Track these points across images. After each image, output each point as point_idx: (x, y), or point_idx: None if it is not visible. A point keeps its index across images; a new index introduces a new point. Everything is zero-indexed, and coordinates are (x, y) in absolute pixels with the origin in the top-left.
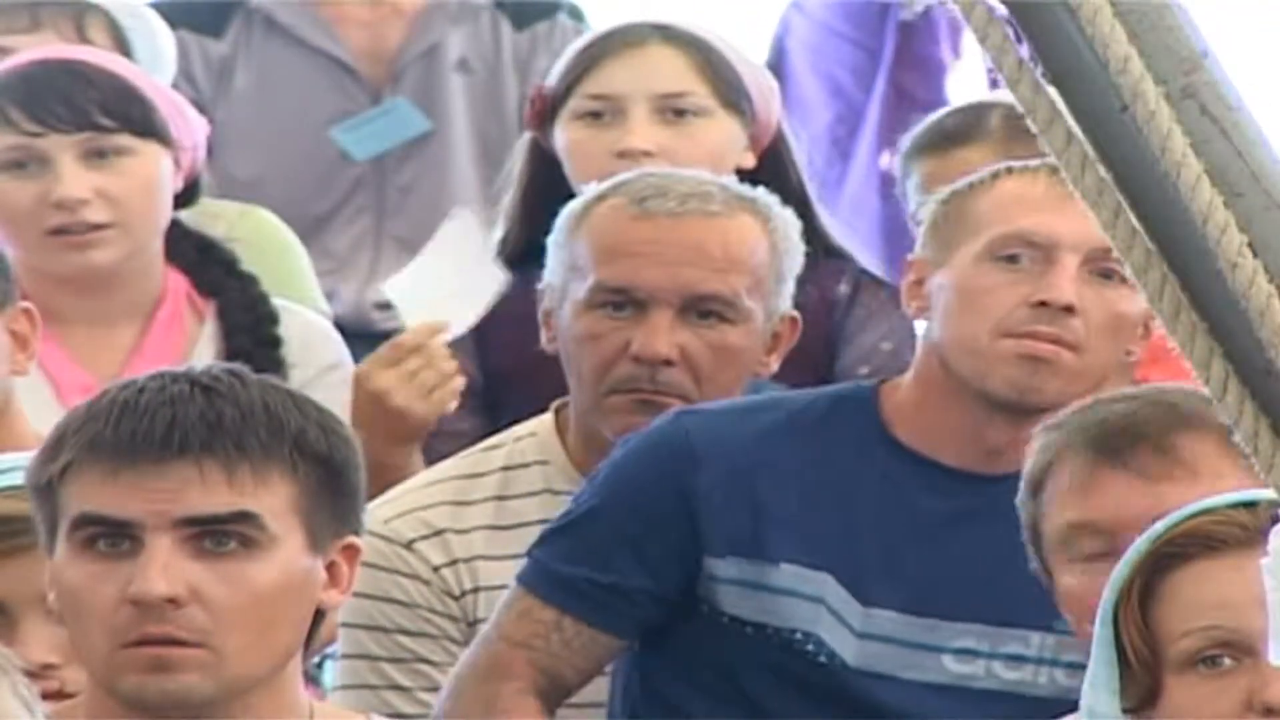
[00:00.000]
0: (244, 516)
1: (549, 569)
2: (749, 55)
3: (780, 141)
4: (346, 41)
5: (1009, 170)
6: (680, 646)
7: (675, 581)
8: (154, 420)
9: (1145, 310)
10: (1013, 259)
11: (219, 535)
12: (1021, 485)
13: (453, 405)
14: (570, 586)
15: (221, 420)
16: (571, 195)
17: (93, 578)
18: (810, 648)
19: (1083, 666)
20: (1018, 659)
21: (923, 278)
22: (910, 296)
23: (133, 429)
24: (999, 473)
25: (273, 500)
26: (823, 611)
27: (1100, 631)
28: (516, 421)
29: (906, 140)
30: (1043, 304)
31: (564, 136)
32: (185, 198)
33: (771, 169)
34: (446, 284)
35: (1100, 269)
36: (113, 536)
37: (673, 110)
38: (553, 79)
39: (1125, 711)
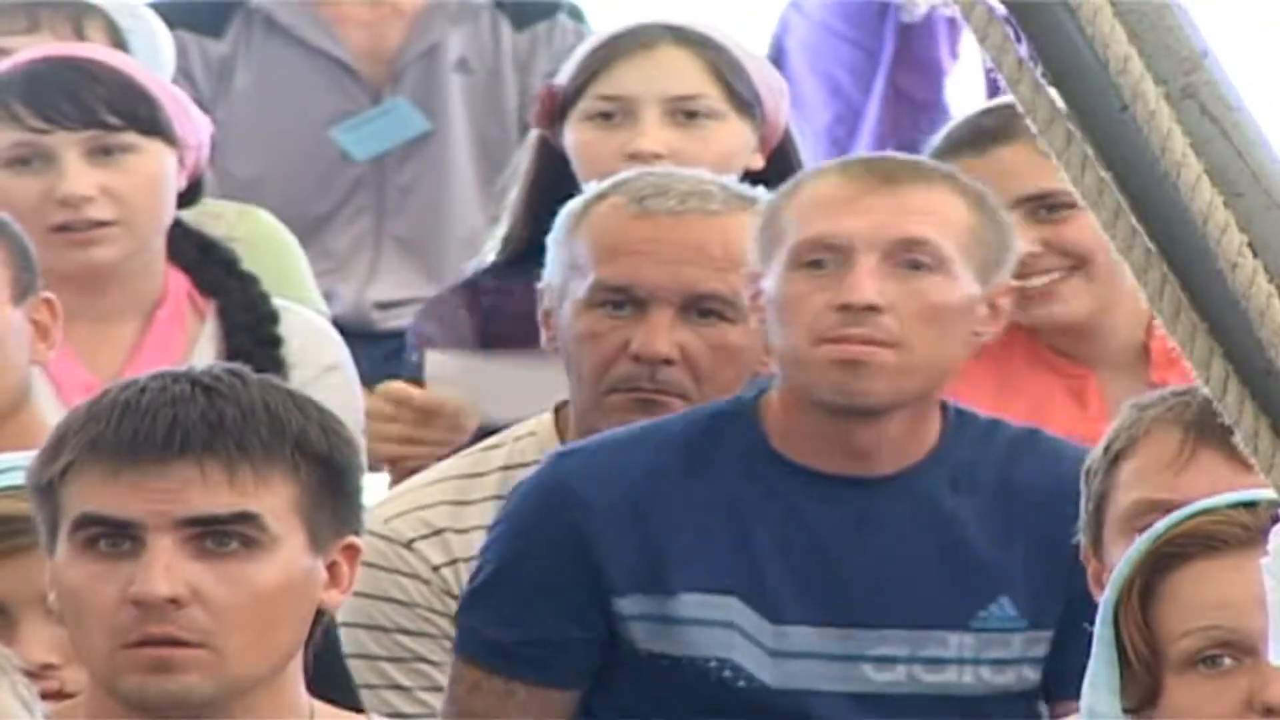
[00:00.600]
0: (245, 517)
1: (483, 637)
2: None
3: (788, 142)
4: (346, 41)
5: (812, 172)
6: (613, 688)
7: (598, 624)
8: (155, 420)
9: (969, 294)
10: (816, 264)
11: (220, 535)
12: (1096, 454)
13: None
14: (509, 652)
15: (223, 420)
16: (575, 192)
17: (94, 578)
18: (728, 674)
19: (1008, 662)
20: (938, 661)
21: (757, 290)
22: (751, 308)
23: (134, 429)
24: (879, 474)
25: (274, 500)
26: (734, 636)
27: (1101, 631)
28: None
29: (939, 137)
30: (846, 306)
31: (574, 136)
32: (188, 197)
33: (778, 169)
34: (493, 386)
35: (905, 260)
36: (114, 537)
37: (684, 112)
38: (563, 78)
39: (1125, 711)
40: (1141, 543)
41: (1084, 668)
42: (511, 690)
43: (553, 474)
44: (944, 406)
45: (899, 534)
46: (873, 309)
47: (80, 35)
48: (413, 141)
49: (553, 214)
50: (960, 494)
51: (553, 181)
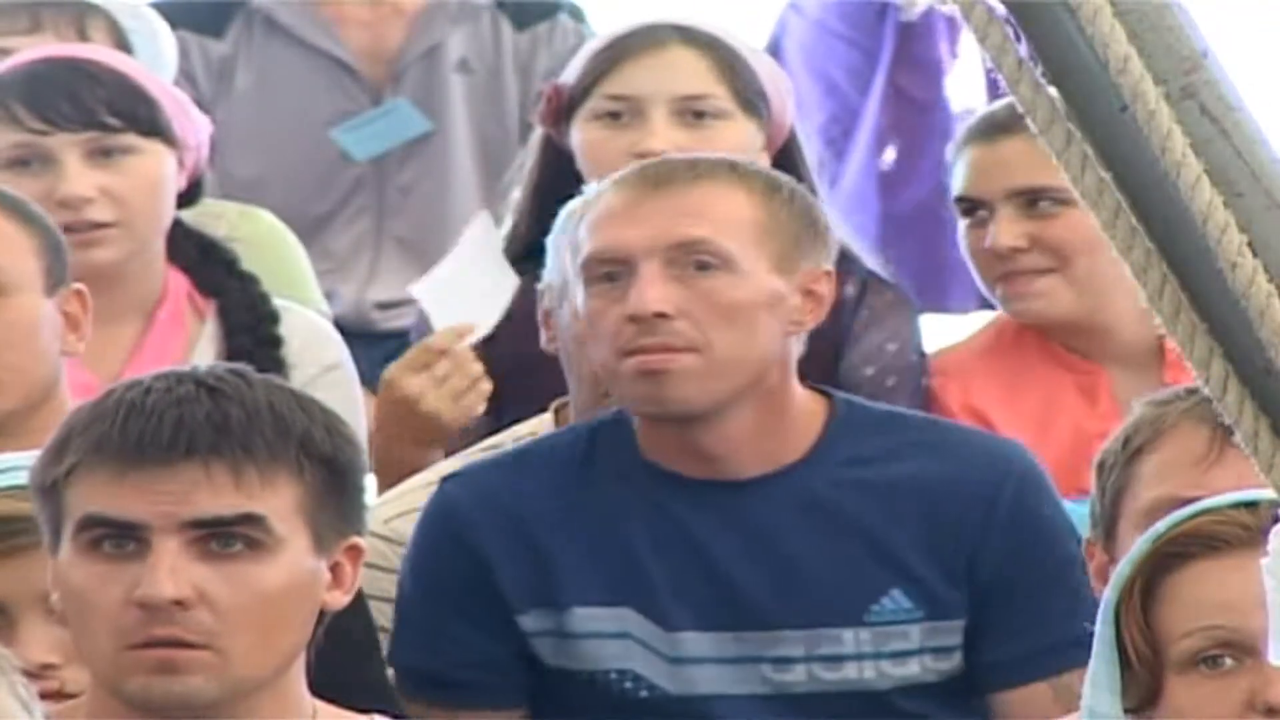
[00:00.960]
0: (250, 519)
1: (416, 671)
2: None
3: (793, 140)
4: (347, 42)
5: (605, 184)
6: (534, 707)
7: (516, 640)
8: (161, 421)
9: (768, 288)
10: (609, 277)
11: (225, 537)
12: (1113, 449)
13: (481, 409)
14: (443, 681)
15: (228, 421)
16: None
17: (98, 579)
18: (629, 684)
19: (909, 653)
20: (835, 659)
21: (550, 307)
22: (572, 322)
23: (140, 430)
24: (743, 477)
25: (279, 502)
26: (632, 646)
27: (1101, 630)
28: (517, 420)
29: (960, 129)
30: (635, 317)
31: (581, 136)
32: (188, 197)
33: (784, 168)
34: (471, 287)
35: (690, 263)
36: (119, 538)
37: (692, 112)
38: (570, 77)
39: (1126, 711)
40: (1143, 542)
41: (1015, 657)
42: (457, 719)
43: (441, 499)
44: (831, 399)
45: (778, 533)
46: (661, 316)
47: (83, 36)
48: (413, 142)
49: (556, 214)
50: (845, 488)
51: (557, 181)
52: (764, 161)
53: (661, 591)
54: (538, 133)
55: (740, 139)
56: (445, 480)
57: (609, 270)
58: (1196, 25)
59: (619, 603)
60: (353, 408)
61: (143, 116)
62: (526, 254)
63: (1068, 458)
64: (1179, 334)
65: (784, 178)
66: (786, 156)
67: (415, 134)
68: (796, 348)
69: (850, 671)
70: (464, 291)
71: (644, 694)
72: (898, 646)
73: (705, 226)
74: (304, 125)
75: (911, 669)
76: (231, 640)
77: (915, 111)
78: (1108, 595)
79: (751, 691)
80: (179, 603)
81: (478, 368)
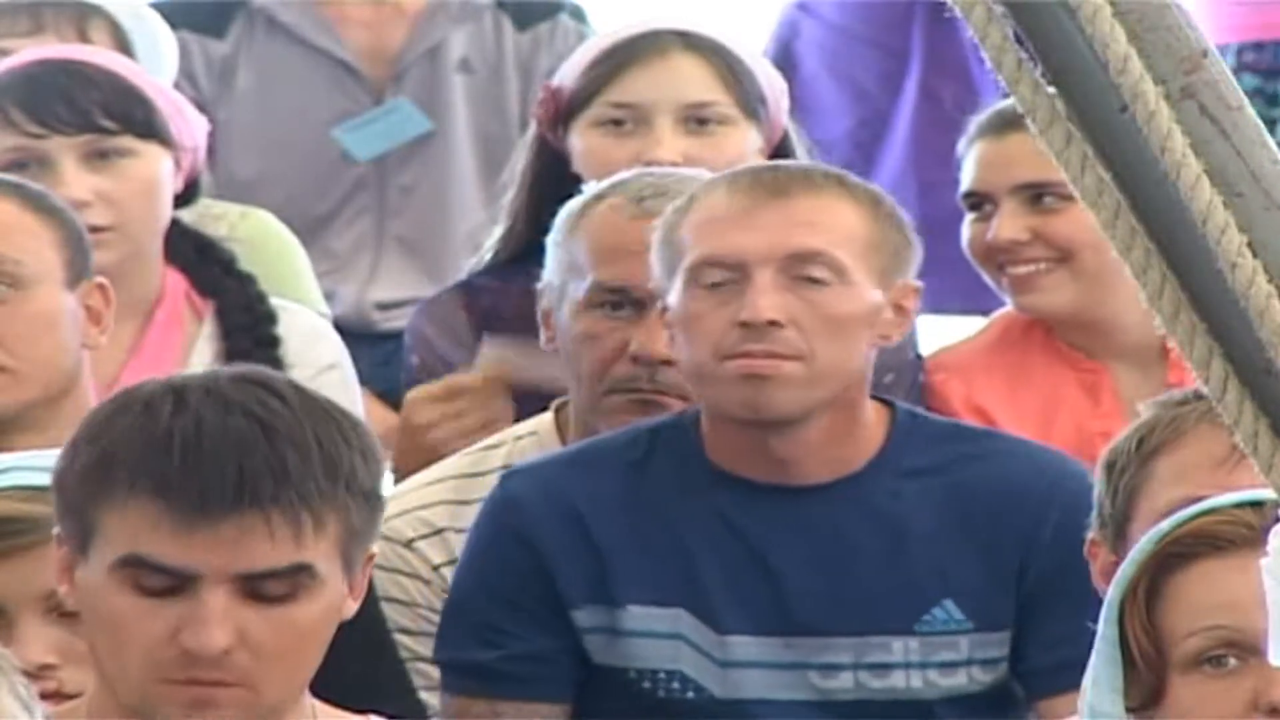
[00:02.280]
0: (302, 568)
1: (463, 663)
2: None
3: (786, 140)
4: (348, 42)
5: (704, 186)
6: (576, 703)
7: (568, 635)
8: (223, 471)
9: (870, 301)
10: (715, 281)
11: (274, 584)
12: (1124, 449)
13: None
14: (490, 672)
15: (286, 467)
16: (576, 193)
17: (138, 612)
18: (676, 685)
19: (957, 664)
20: (883, 667)
21: (665, 305)
22: (664, 324)
23: (202, 481)
24: (810, 483)
25: (326, 545)
26: (682, 647)
27: (1105, 630)
28: (517, 420)
29: (971, 124)
30: (746, 324)
31: (582, 142)
32: (185, 197)
33: None
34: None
35: (801, 274)
36: (165, 579)
37: (696, 120)
38: (570, 81)
39: (1128, 710)
40: (1146, 542)
41: (1060, 663)
42: (497, 710)
43: (501, 493)
44: (894, 409)
45: (837, 540)
46: (773, 324)
47: (84, 37)
48: (414, 142)
49: (552, 213)
50: (905, 497)
51: (552, 181)
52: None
53: (716, 594)
54: (530, 134)
55: (743, 144)
56: (506, 477)
57: (718, 274)
58: (1196, 25)
59: (673, 603)
60: (351, 408)
61: (138, 119)
62: (522, 254)
63: (1069, 455)
64: (1178, 334)
65: (882, 191)
66: (781, 156)
67: (416, 134)
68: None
69: (898, 680)
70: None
71: (690, 695)
72: (946, 657)
73: (821, 238)
74: (305, 125)
75: (959, 679)
76: (268, 676)
77: (948, 114)
78: (1112, 594)
79: (797, 697)
80: (225, 651)
81: (499, 409)
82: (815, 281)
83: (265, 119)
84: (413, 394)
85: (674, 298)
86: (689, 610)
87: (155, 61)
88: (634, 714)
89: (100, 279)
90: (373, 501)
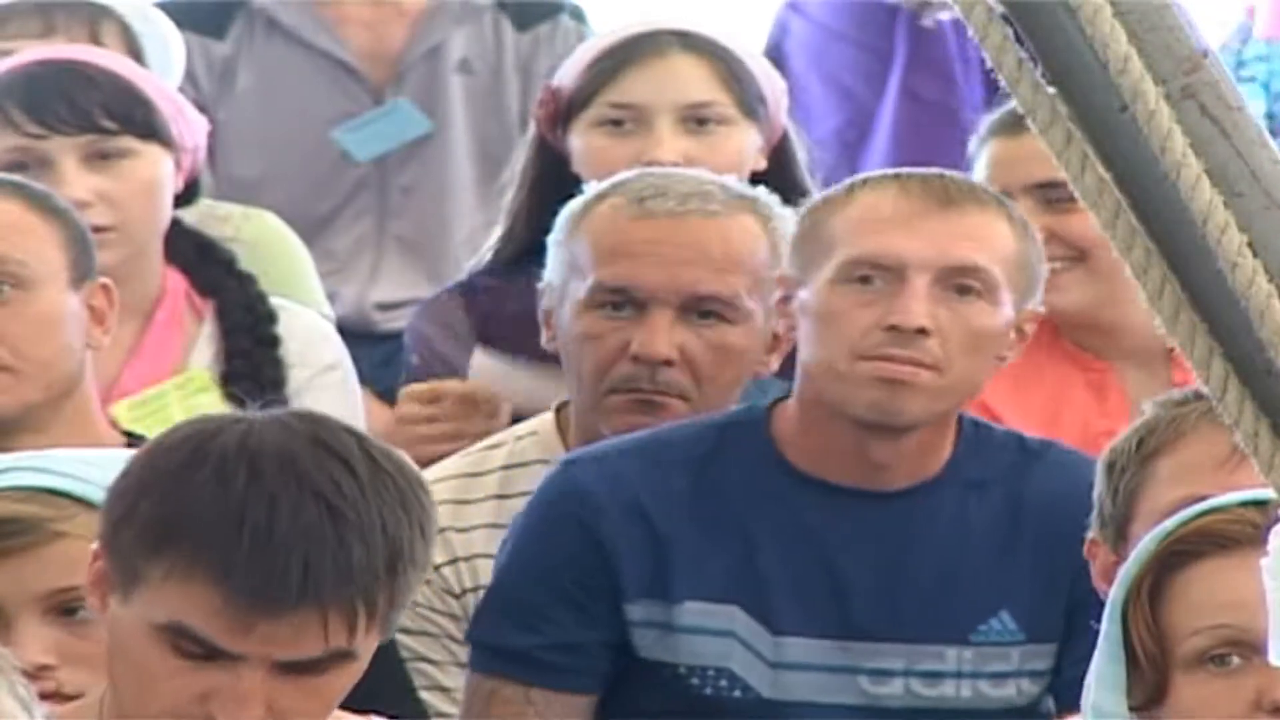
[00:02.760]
0: (345, 654)
1: (499, 647)
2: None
3: (786, 140)
4: (348, 42)
5: (863, 183)
6: (611, 696)
7: (616, 627)
8: (288, 565)
9: (1010, 319)
10: (865, 280)
11: (314, 665)
12: (1124, 449)
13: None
14: (526, 659)
15: (350, 562)
16: (576, 194)
17: (170, 671)
18: (724, 683)
19: (1007, 675)
20: (935, 675)
21: (789, 294)
22: (780, 314)
23: (266, 573)
24: (893, 488)
25: (374, 629)
26: (734, 645)
27: (1108, 628)
28: (518, 420)
29: (983, 124)
30: (894, 328)
31: (582, 142)
32: (185, 197)
33: (777, 168)
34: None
35: (953, 285)
36: (207, 649)
37: (696, 120)
38: (569, 81)
39: (1131, 709)
40: (1150, 540)
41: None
42: (529, 697)
43: (566, 479)
44: (960, 419)
45: (905, 548)
46: (922, 332)
47: (95, 39)
48: (414, 142)
49: (552, 214)
50: (969, 508)
51: (552, 181)
52: (760, 164)
53: (775, 593)
54: (530, 134)
55: (742, 144)
56: (569, 463)
57: (869, 274)
58: (1196, 25)
59: (728, 600)
60: (351, 408)
61: (139, 119)
62: (522, 255)
63: None
64: (1179, 334)
65: (1026, 219)
66: (780, 156)
67: (416, 135)
68: None
69: (948, 689)
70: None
71: (737, 694)
72: (998, 668)
73: (983, 254)
74: (305, 126)
75: (1008, 691)
76: None
77: (929, 113)
78: (1115, 593)
79: (846, 702)
80: None
81: (474, 429)
82: (966, 294)
83: (265, 120)
84: (406, 389)
85: (810, 290)
86: (744, 608)
87: (164, 63)
88: (679, 710)
89: (104, 280)
90: (423, 572)
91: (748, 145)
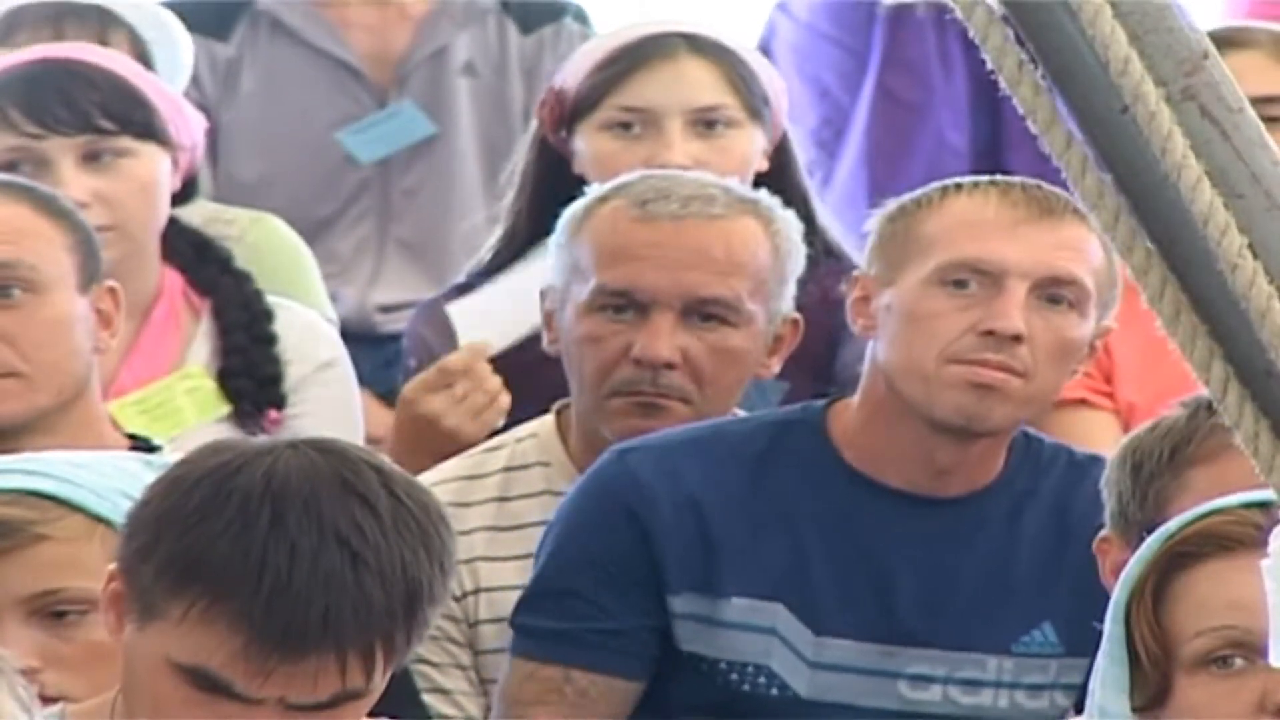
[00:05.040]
0: (358, 694)
1: (540, 629)
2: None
3: (785, 140)
4: (353, 44)
5: (958, 187)
6: (649, 688)
7: (660, 616)
8: (309, 611)
9: (1091, 332)
10: (960, 284)
11: (329, 706)
12: (1150, 452)
13: (500, 422)
14: (567, 639)
15: (370, 606)
16: (578, 194)
17: (185, 704)
18: (762, 680)
19: (1044, 687)
20: (974, 683)
21: (869, 295)
22: (857, 314)
23: (286, 620)
24: (948, 495)
25: (391, 667)
26: (775, 643)
27: (1111, 629)
28: (519, 422)
29: None
30: (990, 333)
31: (589, 145)
32: (182, 196)
33: (778, 169)
34: (500, 309)
35: (1049, 295)
36: (219, 690)
37: (704, 123)
38: (574, 84)
39: (1134, 710)
40: (1154, 541)
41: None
42: (569, 677)
43: (619, 467)
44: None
45: (954, 555)
46: (1017, 339)
47: (105, 45)
48: (418, 145)
49: (553, 215)
50: (1018, 520)
51: (553, 183)
52: (764, 165)
53: (822, 594)
54: (530, 134)
55: (749, 146)
56: (624, 451)
57: (965, 278)
58: (1197, 27)
59: (773, 597)
60: (348, 407)
61: (137, 119)
62: (523, 256)
63: None
64: (1179, 336)
65: None
66: (780, 157)
67: (420, 137)
68: None
69: (985, 699)
70: (493, 312)
71: (774, 692)
72: (1036, 679)
73: (1082, 266)
74: (309, 128)
75: (1043, 703)
76: None
77: (904, 112)
78: (1118, 594)
79: (883, 706)
80: None
81: (495, 383)
82: (1058, 305)
83: (269, 121)
84: (408, 388)
85: (898, 291)
86: (787, 606)
87: (173, 68)
88: (716, 704)
89: (111, 282)
90: (441, 607)
91: (754, 147)
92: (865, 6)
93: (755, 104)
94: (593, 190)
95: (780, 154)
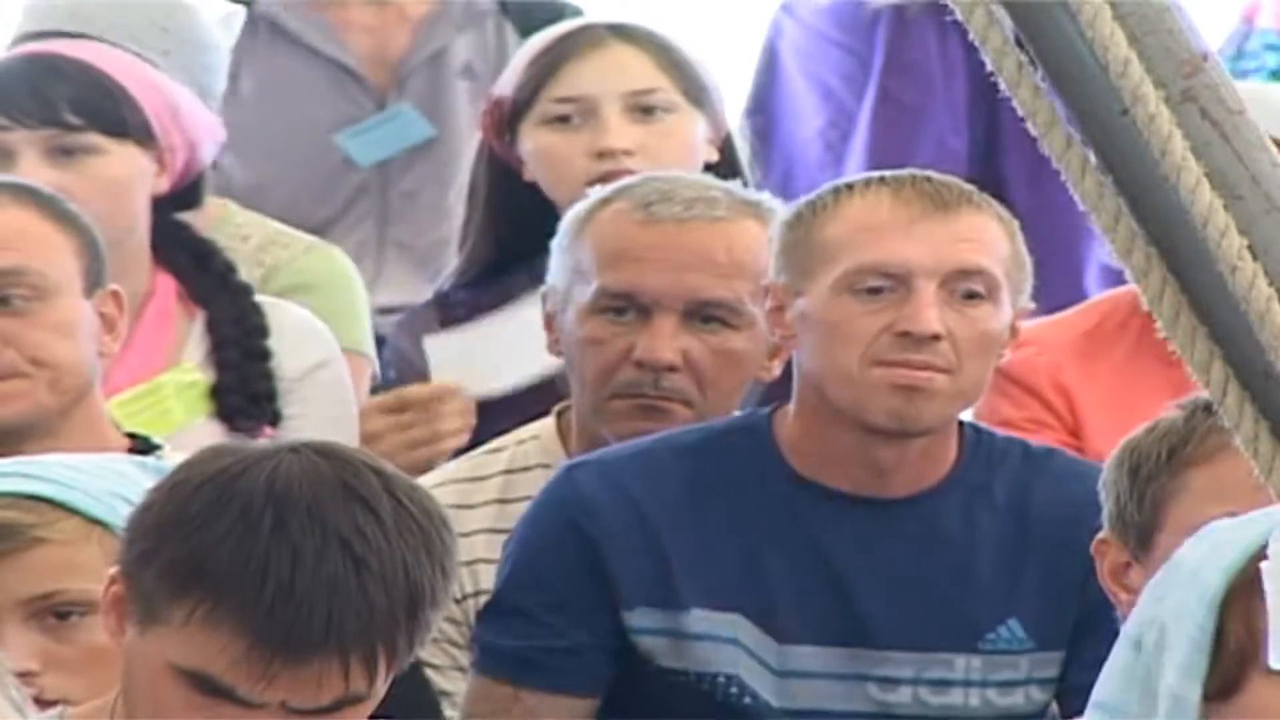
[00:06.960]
0: (360, 698)
1: (493, 647)
2: (721, 54)
3: (729, 143)
4: (351, 47)
5: (849, 188)
6: (625, 699)
7: (613, 633)
8: (311, 615)
9: (1009, 318)
10: (872, 290)
11: (331, 711)
12: (1148, 452)
13: (434, 466)
14: (516, 658)
15: (373, 610)
16: (532, 202)
17: (187, 708)
18: (734, 690)
19: (1016, 683)
20: (943, 683)
21: (782, 305)
22: (774, 324)
23: (289, 623)
24: (899, 495)
25: (393, 670)
26: (740, 653)
27: (1202, 619)
28: (519, 424)
29: None
30: (907, 334)
31: (532, 143)
32: (183, 200)
33: (725, 163)
34: (481, 354)
35: (962, 289)
36: (221, 694)
37: (641, 108)
38: (508, 87)
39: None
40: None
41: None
42: (518, 697)
43: (566, 485)
44: (961, 426)
45: (910, 555)
46: (935, 338)
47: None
48: (417, 147)
49: (509, 225)
50: (974, 516)
51: (503, 194)
52: (713, 155)
53: (780, 601)
54: (477, 149)
55: (690, 130)
56: (572, 468)
57: (875, 283)
58: (1196, 28)
59: (731, 609)
60: (343, 407)
61: (109, 115)
62: (491, 268)
63: None
64: (1179, 337)
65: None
66: (726, 157)
67: (419, 139)
68: None
69: (956, 698)
70: (470, 355)
71: (747, 701)
72: (1006, 676)
73: (985, 256)
74: (307, 130)
75: (1016, 699)
76: None
77: (905, 115)
78: (1216, 582)
79: (856, 709)
80: None
81: (449, 427)
82: (971, 298)
83: (268, 124)
84: (365, 403)
85: (810, 299)
86: (747, 616)
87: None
88: (696, 716)
89: (114, 286)
90: (443, 610)
91: (697, 134)
92: (870, 10)
93: (692, 89)
94: (595, 191)
95: (725, 155)
